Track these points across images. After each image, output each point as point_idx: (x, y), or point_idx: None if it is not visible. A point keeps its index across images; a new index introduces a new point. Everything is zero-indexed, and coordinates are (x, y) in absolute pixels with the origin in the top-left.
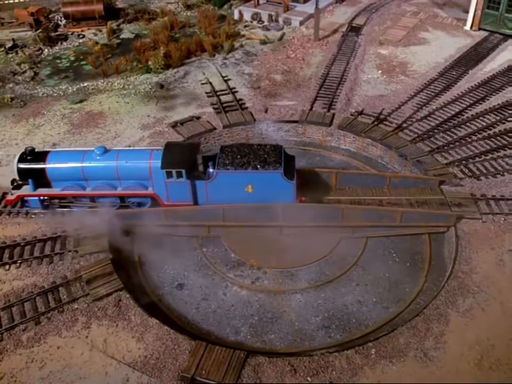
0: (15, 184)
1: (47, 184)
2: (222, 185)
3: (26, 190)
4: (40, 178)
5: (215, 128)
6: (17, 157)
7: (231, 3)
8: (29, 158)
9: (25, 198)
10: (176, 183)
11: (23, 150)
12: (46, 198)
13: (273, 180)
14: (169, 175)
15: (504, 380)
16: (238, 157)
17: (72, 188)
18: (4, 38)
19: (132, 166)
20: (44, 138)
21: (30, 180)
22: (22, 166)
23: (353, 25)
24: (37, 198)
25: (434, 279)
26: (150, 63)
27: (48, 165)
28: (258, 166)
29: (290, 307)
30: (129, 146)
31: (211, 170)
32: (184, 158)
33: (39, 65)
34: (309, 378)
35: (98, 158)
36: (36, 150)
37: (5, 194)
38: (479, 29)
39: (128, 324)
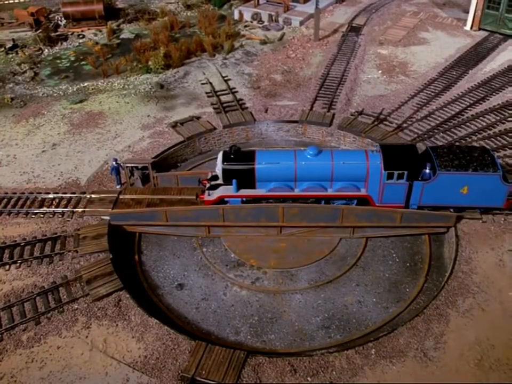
0: (209, 184)
1: (250, 185)
2: (440, 187)
3: (224, 190)
4: (247, 179)
5: (215, 128)
6: (220, 157)
7: (231, 3)
8: (232, 157)
9: (225, 199)
10: (395, 185)
11: (225, 149)
12: (247, 199)
13: (491, 182)
14: (390, 176)
15: (504, 380)
16: (454, 158)
17: (280, 188)
18: (4, 38)
19: (349, 167)
20: (44, 138)
21: (234, 180)
22: (229, 166)
23: (353, 25)
24: (239, 199)
25: (434, 279)
26: (150, 63)
27: (259, 165)
28: (478, 168)
29: (290, 307)
30: (129, 147)
31: (428, 171)
32: (406, 159)
33: (39, 65)
34: (309, 378)
35: (311, 157)
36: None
37: (199, 195)
38: (479, 29)
39: (128, 324)
